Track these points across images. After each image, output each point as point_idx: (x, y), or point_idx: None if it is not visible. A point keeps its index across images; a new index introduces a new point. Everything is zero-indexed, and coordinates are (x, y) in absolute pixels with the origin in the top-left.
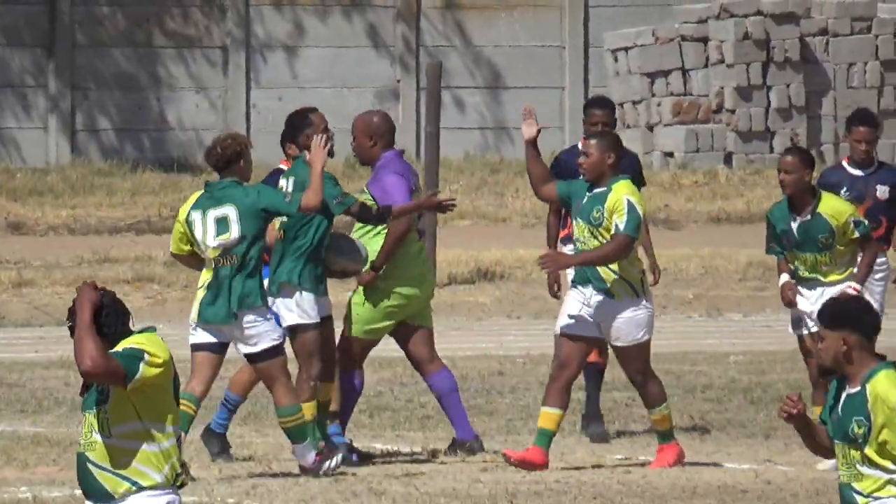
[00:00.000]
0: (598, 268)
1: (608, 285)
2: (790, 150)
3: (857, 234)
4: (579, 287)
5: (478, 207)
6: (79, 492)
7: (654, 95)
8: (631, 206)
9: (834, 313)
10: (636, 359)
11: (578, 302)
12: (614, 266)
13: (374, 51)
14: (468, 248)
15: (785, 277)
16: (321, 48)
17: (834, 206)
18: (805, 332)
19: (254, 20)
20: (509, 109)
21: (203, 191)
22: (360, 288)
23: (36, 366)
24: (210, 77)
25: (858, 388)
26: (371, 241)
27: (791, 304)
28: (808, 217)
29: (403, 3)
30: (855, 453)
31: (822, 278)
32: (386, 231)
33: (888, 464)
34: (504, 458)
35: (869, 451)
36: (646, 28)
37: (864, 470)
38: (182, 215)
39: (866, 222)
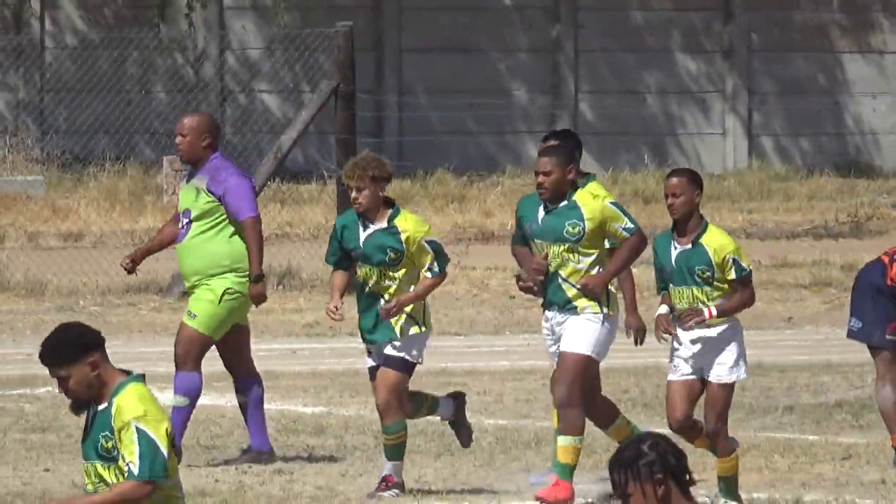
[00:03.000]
0: (564, 287)
1: (574, 302)
2: (676, 171)
3: (733, 276)
4: (546, 312)
5: None
6: None
7: None
8: (618, 206)
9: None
10: (579, 373)
11: (546, 330)
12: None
13: None
14: None
15: (663, 309)
16: None
17: (717, 240)
18: (675, 377)
19: None
20: None
21: None
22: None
23: None
24: (886, 80)
25: (105, 406)
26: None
27: (663, 334)
28: (689, 246)
29: None
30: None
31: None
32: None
33: None
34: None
35: None
36: None
37: None
38: None
39: (746, 266)
